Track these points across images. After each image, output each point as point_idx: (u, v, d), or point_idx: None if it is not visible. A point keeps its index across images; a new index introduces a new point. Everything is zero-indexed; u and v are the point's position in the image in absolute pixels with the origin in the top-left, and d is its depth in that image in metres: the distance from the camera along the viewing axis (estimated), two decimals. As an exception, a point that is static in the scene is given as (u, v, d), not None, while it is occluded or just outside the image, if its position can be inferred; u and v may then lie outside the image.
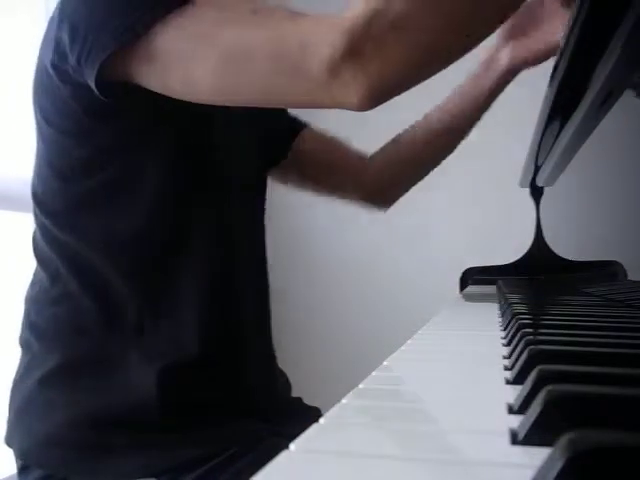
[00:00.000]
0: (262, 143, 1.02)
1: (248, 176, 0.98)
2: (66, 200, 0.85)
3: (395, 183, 1.18)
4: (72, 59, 0.75)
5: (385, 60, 0.64)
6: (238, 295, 0.92)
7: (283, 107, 0.74)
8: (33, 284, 0.91)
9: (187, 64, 0.72)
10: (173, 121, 0.83)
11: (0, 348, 1.35)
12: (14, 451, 0.86)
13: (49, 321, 0.86)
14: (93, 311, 0.84)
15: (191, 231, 0.86)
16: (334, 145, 1.13)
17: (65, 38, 0.76)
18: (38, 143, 0.88)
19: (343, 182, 1.16)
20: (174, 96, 0.75)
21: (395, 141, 1.14)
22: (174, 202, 0.86)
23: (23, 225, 1.47)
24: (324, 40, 0.64)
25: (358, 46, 0.63)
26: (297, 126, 1.10)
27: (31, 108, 0.87)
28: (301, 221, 2.30)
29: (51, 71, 0.79)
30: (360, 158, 1.14)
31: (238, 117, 0.94)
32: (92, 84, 0.75)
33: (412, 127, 1.13)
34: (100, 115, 0.80)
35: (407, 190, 1.18)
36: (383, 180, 1.15)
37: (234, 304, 0.92)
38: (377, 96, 0.65)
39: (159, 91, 0.75)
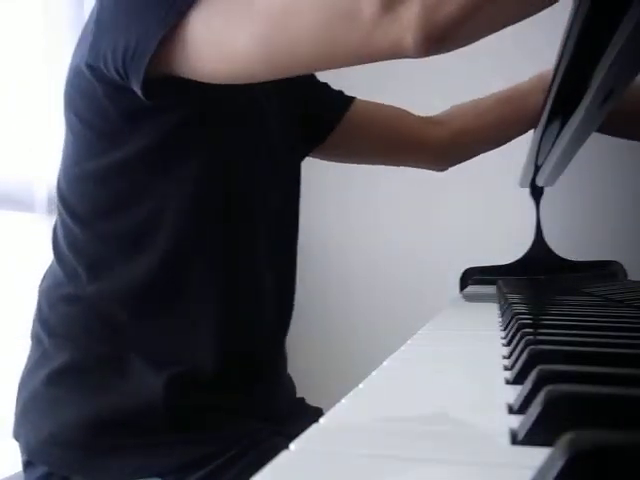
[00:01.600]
0: (301, 125, 1.00)
1: (284, 161, 0.97)
2: (93, 203, 0.84)
3: (466, 150, 1.17)
4: (113, 61, 0.74)
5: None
6: (256, 305, 0.92)
7: (338, 64, 0.69)
8: (47, 278, 0.90)
9: (230, 38, 0.70)
10: (206, 123, 0.83)
11: (5, 343, 1.35)
12: (20, 446, 0.86)
13: (62, 319, 0.86)
14: (106, 314, 0.83)
15: (209, 240, 0.86)
16: (391, 114, 1.11)
17: (103, 40, 0.75)
18: (67, 144, 0.87)
19: (403, 150, 1.14)
20: (221, 80, 0.73)
21: (476, 107, 1.13)
22: (201, 211, 0.85)
23: (23, 225, 1.47)
24: None
25: None
26: (344, 101, 1.07)
27: (61, 110, 0.86)
28: (301, 221, 2.29)
29: (86, 71, 0.79)
30: (423, 123, 1.11)
31: (273, 106, 0.93)
32: (138, 86, 0.73)
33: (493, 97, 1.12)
34: (135, 117, 0.80)
35: (476, 155, 1.18)
36: (451, 147, 1.14)
37: (250, 313, 0.91)
38: (435, 34, 0.62)
39: (205, 78, 0.73)
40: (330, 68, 0.72)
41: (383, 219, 2.28)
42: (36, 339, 0.88)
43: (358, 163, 1.22)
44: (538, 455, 0.23)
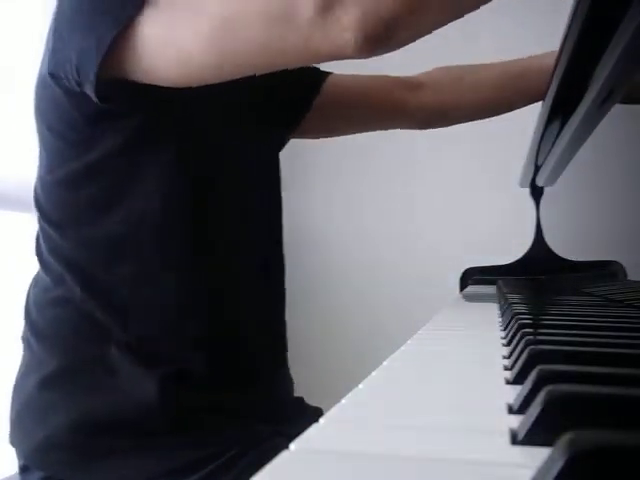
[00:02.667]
0: (274, 113, 0.99)
1: (257, 162, 0.96)
2: (67, 209, 0.85)
3: (454, 121, 1.14)
4: (70, 68, 0.75)
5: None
6: (242, 303, 0.92)
7: (283, 66, 0.70)
8: (35, 283, 0.90)
9: (178, 42, 0.70)
10: (171, 125, 0.83)
11: (3, 346, 1.35)
12: (16, 451, 0.86)
13: (50, 322, 0.86)
14: (94, 316, 0.83)
15: (192, 240, 0.86)
16: (367, 84, 1.08)
17: (60, 48, 0.76)
18: (40, 152, 0.87)
19: (382, 119, 1.12)
20: (172, 83, 0.74)
21: (476, 79, 1.09)
22: (176, 209, 0.85)
23: (23, 225, 1.47)
24: None
25: None
26: (316, 80, 1.05)
27: (33, 117, 0.87)
28: (300, 221, 2.30)
29: (50, 80, 0.79)
30: (404, 89, 1.08)
31: (243, 96, 0.92)
32: (91, 90, 0.74)
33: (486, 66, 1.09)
34: (99, 123, 0.80)
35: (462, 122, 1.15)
36: (436, 115, 1.11)
37: (241, 312, 0.91)
38: (375, 34, 0.63)
39: (157, 81, 0.74)
40: (276, 69, 0.72)
41: (383, 219, 2.28)
42: (26, 343, 0.88)
43: (339, 136, 1.19)
44: (538, 455, 0.23)
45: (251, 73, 0.74)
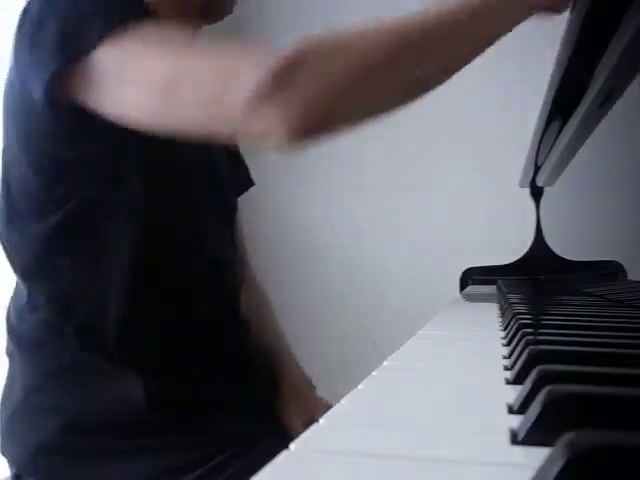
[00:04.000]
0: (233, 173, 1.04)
1: (219, 196, 0.99)
2: (34, 246, 0.84)
3: None
4: (25, 77, 0.76)
5: (305, 96, 0.66)
6: (233, 293, 0.92)
7: (209, 139, 0.75)
8: (14, 297, 0.90)
9: (121, 88, 0.73)
10: (133, 149, 0.82)
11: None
12: (7, 460, 0.85)
13: (29, 329, 0.86)
14: (74, 320, 0.83)
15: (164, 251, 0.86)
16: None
17: (19, 55, 0.77)
18: (4, 168, 0.86)
19: None
20: (111, 119, 0.75)
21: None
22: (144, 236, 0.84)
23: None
24: (247, 74, 0.66)
25: (281, 82, 0.65)
26: (246, 183, 1.12)
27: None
28: (299, 221, 2.30)
29: (10, 90, 0.80)
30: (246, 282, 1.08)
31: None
32: (40, 99, 0.74)
33: None
34: (58, 139, 0.80)
35: None
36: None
37: (231, 303, 0.92)
38: (301, 131, 0.66)
39: (99, 112, 0.75)
40: (206, 138, 0.75)
41: (383, 219, 2.28)
42: (10, 356, 0.88)
43: None
44: (538, 455, 0.23)
45: (185, 138, 0.75)
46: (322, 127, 0.68)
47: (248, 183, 1.13)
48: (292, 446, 0.25)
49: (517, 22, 0.71)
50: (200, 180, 0.93)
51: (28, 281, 0.86)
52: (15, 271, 0.88)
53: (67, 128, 0.79)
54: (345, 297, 2.33)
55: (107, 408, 0.80)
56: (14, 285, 0.91)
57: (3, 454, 0.86)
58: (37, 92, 0.74)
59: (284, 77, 0.64)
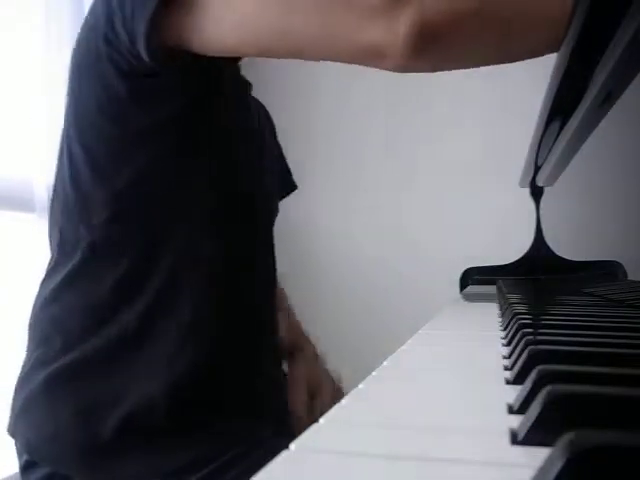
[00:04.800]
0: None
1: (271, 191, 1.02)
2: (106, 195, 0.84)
3: None
4: (122, 24, 0.75)
5: (431, 6, 0.66)
6: (245, 296, 0.92)
7: (335, 53, 0.72)
8: (54, 274, 0.89)
9: (239, 6, 0.71)
10: (208, 110, 0.83)
11: (1, 344, 1.35)
12: (18, 444, 0.85)
13: (70, 316, 0.86)
14: (106, 313, 0.84)
15: (204, 237, 0.86)
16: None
17: (115, 8, 0.75)
18: (69, 147, 0.86)
19: None
20: (227, 52, 0.74)
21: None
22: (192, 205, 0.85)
23: (23, 225, 1.47)
24: None
25: None
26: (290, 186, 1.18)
27: (64, 99, 0.86)
28: (302, 221, 2.30)
29: (103, 48, 0.78)
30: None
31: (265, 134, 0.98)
32: (143, 45, 0.73)
33: None
34: (141, 96, 0.79)
35: None
36: None
37: (244, 309, 0.92)
38: (425, 43, 0.66)
39: (212, 47, 0.74)
40: (324, 55, 0.72)
41: (383, 219, 2.28)
42: (40, 336, 0.87)
43: None
44: (538, 455, 0.23)
45: (300, 53, 0.73)
46: (447, 44, 0.68)
47: (292, 187, 1.14)
48: (292, 446, 0.25)
49: None
50: (255, 180, 0.94)
51: (80, 261, 0.85)
52: (61, 247, 0.87)
53: (150, 88, 0.78)
54: (345, 297, 2.33)
55: (123, 405, 0.81)
56: (48, 263, 0.90)
57: (13, 435, 0.85)
58: (139, 39, 0.73)
59: None
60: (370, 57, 0.69)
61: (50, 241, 0.91)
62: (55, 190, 0.90)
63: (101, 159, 0.83)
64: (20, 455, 0.86)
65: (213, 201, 0.85)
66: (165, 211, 0.83)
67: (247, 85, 0.96)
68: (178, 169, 0.83)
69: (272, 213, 1.05)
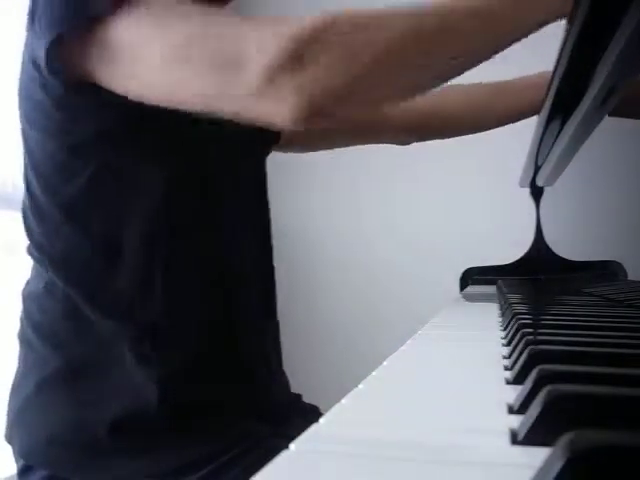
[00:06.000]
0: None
1: (245, 171, 0.97)
2: (53, 209, 0.84)
3: (438, 134, 1.19)
4: (34, 39, 0.74)
5: (323, 73, 0.64)
6: (241, 296, 0.92)
7: (219, 114, 0.72)
8: (33, 280, 0.90)
9: (135, 58, 0.70)
10: (146, 125, 0.80)
11: (0, 345, 1.35)
12: (15, 449, 0.85)
13: (49, 318, 0.86)
14: (91, 313, 0.83)
15: (186, 237, 0.86)
16: None
17: (32, 27, 0.75)
18: (24, 154, 0.87)
19: (369, 132, 1.15)
20: (125, 93, 0.73)
21: (467, 93, 1.12)
22: (168, 206, 0.85)
23: (23, 225, 1.47)
24: (264, 45, 0.64)
25: (297, 55, 0.63)
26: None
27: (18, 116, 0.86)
28: (299, 221, 2.30)
29: (27, 62, 0.78)
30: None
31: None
32: (43, 60, 0.72)
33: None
34: (68, 111, 0.79)
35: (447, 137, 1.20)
36: (421, 118, 1.13)
37: (238, 305, 0.91)
38: (310, 111, 0.64)
39: (108, 86, 0.73)
40: (215, 114, 0.72)
41: (383, 219, 2.28)
42: (25, 342, 0.88)
43: (324, 150, 1.23)
44: (538, 455, 0.23)
45: (195, 112, 0.73)
46: (337, 106, 0.67)
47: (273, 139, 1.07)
48: (292, 446, 0.25)
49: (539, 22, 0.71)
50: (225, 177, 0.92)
51: (50, 265, 0.85)
52: (32, 253, 0.88)
53: (74, 104, 0.77)
54: (344, 297, 2.33)
55: (119, 407, 0.80)
56: (30, 269, 0.90)
57: (9, 441, 0.85)
58: (40, 55, 0.72)
59: (304, 50, 0.63)
60: (264, 123, 0.68)
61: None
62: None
63: (46, 170, 0.84)
64: (17, 460, 0.86)
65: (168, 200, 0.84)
66: (120, 216, 0.83)
67: None
68: (129, 175, 0.82)
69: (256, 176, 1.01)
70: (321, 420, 0.29)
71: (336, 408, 0.32)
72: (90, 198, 0.82)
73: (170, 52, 0.69)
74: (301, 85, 0.63)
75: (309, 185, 2.31)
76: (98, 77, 0.74)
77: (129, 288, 0.83)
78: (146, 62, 0.70)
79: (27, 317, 0.88)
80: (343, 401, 0.33)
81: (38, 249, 0.87)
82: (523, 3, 0.71)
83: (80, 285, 0.83)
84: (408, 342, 0.55)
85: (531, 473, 0.21)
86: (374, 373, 0.41)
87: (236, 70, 0.65)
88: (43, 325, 0.86)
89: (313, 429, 0.28)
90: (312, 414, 1.01)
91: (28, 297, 0.89)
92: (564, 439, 0.20)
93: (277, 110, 0.64)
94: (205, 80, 0.68)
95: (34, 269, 0.90)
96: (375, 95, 0.70)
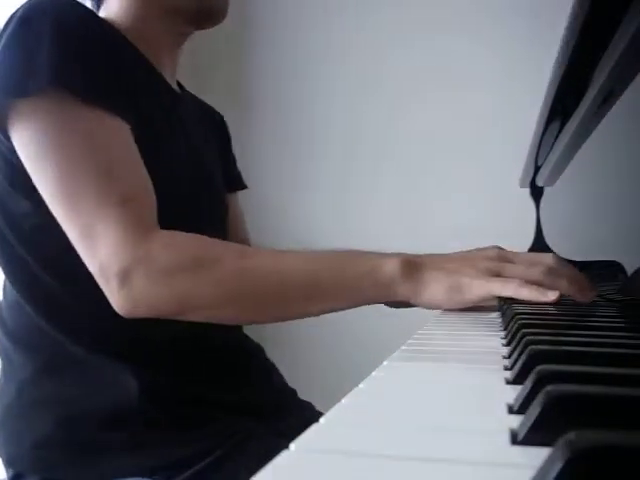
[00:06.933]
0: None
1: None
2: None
3: None
4: None
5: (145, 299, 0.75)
6: None
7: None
8: (5, 292, 0.90)
9: (37, 156, 0.76)
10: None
11: None
12: (3, 459, 0.85)
13: (22, 326, 0.86)
14: (67, 312, 0.84)
15: None
16: (235, 221, 1.15)
17: None
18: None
19: None
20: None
21: None
22: None
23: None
24: (113, 252, 0.74)
25: (129, 273, 0.74)
26: (237, 184, 1.18)
27: None
28: (300, 221, 2.30)
29: None
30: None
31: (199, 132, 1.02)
32: None
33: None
34: (7, 142, 0.81)
35: None
36: None
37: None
38: (133, 314, 0.76)
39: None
40: None
41: (383, 219, 2.28)
42: (3, 353, 0.88)
43: None
44: (538, 455, 0.23)
45: None
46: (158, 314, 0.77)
47: (239, 184, 1.16)
48: (292, 446, 0.25)
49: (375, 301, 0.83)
50: (199, 192, 0.95)
51: (14, 285, 0.86)
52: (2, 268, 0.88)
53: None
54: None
55: (102, 403, 0.81)
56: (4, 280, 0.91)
57: None
58: None
59: (132, 271, 0.74)
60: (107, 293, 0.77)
61: None
62: None
63: (1, 190, 0.85)
64: (7, 470, 0.85)
65: None
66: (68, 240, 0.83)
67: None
68: None
69: (220, 210, 1.05)
70: (321, 420, 0.29)
71: (336, 408, 0.32)
72: (37, 221, 0.83)
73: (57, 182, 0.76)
74: (128, 294, 0.75)
75: (309, 184, 2.31)
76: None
77: (91, 306, 0.83)
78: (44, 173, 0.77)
79: (2, 325, 0.88)
80: (343, 401, 0.33)
81: (2, 266, 0.88)
82: (349, 280, 0.82)
83: (42, 305, 0.84)
84: (408, 341, 0.55)
85: (531, 473, 0.21)
86: (374, 373, 0.41)
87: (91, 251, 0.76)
88: (16, 331, 0.86)
89: (313, 429, 0.28)
90: (307, 410, 1.01)
91: (3, 307, 0.89)
92: (564, 439, 0.20)
93: (111, 297, 0.76)
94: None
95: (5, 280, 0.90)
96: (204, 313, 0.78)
